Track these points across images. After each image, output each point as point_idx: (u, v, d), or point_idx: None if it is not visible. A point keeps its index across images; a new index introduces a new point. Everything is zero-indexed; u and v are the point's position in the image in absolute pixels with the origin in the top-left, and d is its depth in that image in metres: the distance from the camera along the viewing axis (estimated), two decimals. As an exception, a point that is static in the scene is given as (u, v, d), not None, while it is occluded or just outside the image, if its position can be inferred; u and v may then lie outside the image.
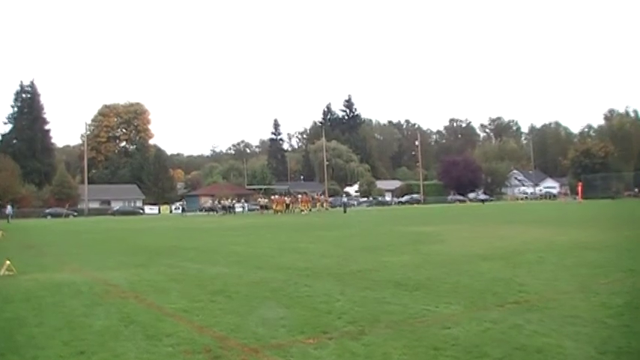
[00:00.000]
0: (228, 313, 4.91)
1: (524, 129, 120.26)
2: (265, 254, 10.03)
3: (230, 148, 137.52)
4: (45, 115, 62.54)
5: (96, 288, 6.57)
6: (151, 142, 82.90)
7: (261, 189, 62.02)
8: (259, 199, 45.79)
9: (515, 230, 14.31)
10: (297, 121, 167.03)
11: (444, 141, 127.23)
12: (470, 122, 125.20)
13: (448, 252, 9.44)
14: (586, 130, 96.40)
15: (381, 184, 78.52)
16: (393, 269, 7.44)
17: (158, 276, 7.47)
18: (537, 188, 73.88)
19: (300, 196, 42.78)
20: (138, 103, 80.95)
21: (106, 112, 77.67)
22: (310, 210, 38.62)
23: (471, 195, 66.88)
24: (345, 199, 41.79)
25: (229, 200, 45.55)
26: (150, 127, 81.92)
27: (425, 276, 6.76)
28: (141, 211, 54.52)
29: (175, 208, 57.06)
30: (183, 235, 16.98)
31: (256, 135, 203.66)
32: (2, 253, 10.19)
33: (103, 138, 76.13)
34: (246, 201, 53.11)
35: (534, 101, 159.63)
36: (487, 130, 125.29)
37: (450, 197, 65.01)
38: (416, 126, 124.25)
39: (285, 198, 42.31)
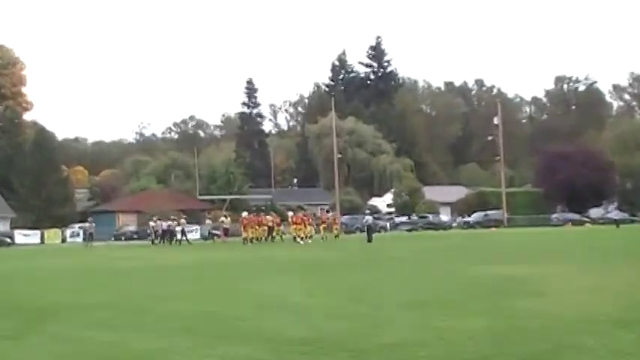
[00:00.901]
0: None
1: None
2: (232, 314, 10.08)
3: (170, 130, 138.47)
4: None
5: None
6: (28, 117, 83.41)
7: (224, 201, 61.94)
8: (222, 219, 45.95)
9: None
10: (286, 83, 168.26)
11: (545, 116, 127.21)
12: (593, 82, 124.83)
13: (552, 312, 9.45)
14: None
15: (432, 193, 78.61)
16: (456, 342, 7.46)
17: (40, 355, 7.50)
18: None
19: (291, 213, 42.87)
20: (2, 47, 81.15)
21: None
22: (310, 237, 38.72)
23: (595, 212, 66.49)
24: (369, 219, 41.82)
25: (172, 221, 45.69)
26: (26, 91, 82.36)
27: (513, 356, 6.77)
28: (9, 240, 54.62)
29: (73, 235, 57.10)
30: (88, 283, 17.05)
31: (216, 107, 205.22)
32: None
33: None
34: (199, 222, 53.15)
35: None
36: (626, 97, 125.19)
37: (555, 215, 64.83)
38: (495, 91, 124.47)
39: (267, 217, 42.50)
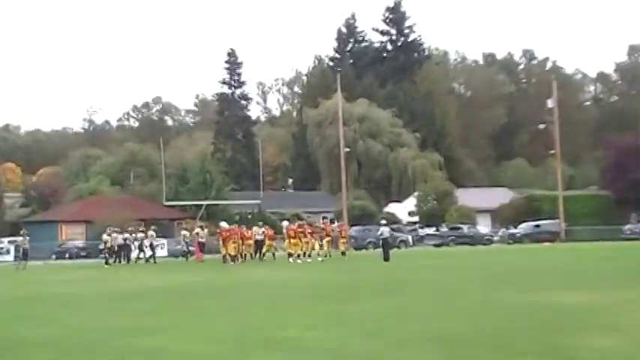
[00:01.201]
0: None
1: None
2: (209, 353, 10.11)
3: (129, 117, 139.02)
4: None
5: None
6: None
7: (199, 208, 61.95)
8: (197, 231, 46.14)
9: None
10: (278, 56, 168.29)
11: (614, 98, 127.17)
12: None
13: (627, 351, 9.43)
14: None
15: (466, 197, 78.78)
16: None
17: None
18: None
19: (286, 223, 42.99)
20: None
21: None
22: (308, 254, 39.03)
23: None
24: (385, 231, 41.85)
25: (133, 233, 45.91)
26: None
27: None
28: None
29: (2, 252, 57.44)
30: (25, 314, 17.06)
31: (188, 87, 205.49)
32: None
33: None
34: (167, 235, 53.08)
35: None
36: None
37: (628, 226, 64.86)
38: (549, 65, 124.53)
39: (254, 228, 42.76)
